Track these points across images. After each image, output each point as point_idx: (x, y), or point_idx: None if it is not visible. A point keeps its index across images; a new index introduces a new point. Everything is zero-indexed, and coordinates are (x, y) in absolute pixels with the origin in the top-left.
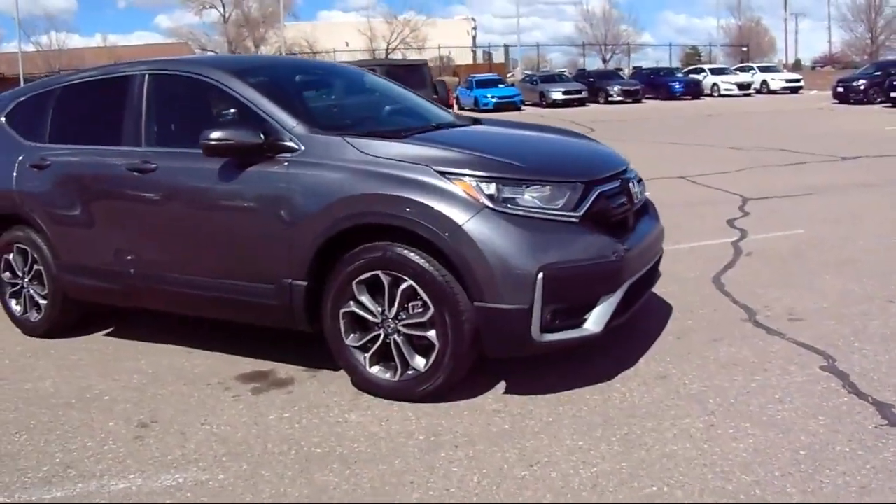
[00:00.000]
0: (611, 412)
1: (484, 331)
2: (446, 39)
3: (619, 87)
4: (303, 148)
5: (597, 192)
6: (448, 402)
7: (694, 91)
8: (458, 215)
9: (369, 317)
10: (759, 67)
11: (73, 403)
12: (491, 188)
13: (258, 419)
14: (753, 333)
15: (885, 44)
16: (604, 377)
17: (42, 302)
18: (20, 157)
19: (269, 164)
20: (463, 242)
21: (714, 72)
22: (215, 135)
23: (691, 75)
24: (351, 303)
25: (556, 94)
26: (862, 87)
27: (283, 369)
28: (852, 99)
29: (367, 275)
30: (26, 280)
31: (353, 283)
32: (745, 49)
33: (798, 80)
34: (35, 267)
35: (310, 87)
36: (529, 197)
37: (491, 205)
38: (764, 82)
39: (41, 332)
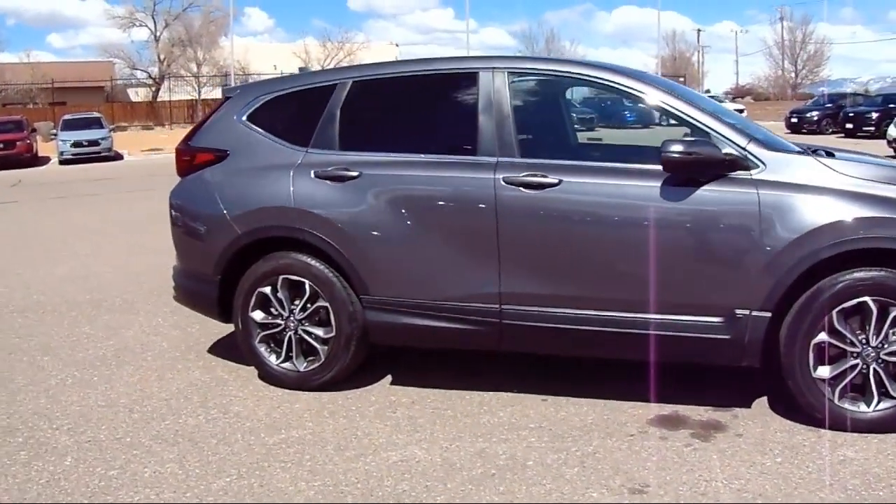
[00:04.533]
0: None
1: None
2: None
3: (574, 115)
4: (764, 166)
5: None
6: None
7: (645, 120)
8: None
9: (847, 347)
10: None
11: (512, 477)
12: None
13: (753, 470)
14: None
15: (807, 77)
16: None
17: (321, 347)
18: (296, 166)
19: (729, 184)
20: None
21: None
22: (678, 147)
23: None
24: (823, 333)
25: None
26: (815, 118)
27: (689, 411)
28: (805, 129)
29: (853, 302)
30: (293, 320)
31: (834, 311)
32: (681, 80)
33: (742, 110)
34: (314, 304)
35: None
36: None
37: None
38: None
39: (315, 385)
